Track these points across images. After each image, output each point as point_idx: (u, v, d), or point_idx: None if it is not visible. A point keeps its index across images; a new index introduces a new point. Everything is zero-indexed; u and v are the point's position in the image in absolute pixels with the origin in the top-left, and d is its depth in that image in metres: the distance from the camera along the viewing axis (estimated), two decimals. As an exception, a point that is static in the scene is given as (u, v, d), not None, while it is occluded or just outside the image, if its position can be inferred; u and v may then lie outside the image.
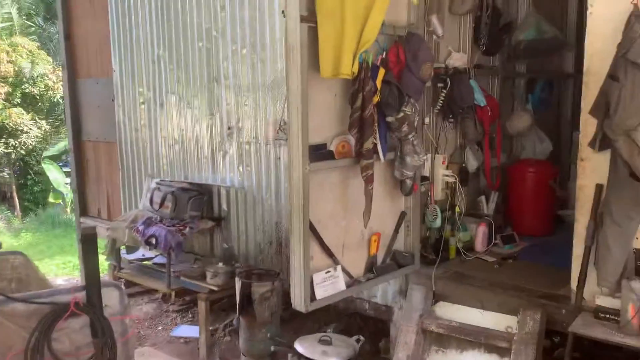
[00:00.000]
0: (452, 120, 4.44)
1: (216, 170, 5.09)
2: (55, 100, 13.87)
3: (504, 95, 5.28)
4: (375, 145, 3.37)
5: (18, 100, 13.44)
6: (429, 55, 3.63)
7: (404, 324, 3.75)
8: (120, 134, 6.06)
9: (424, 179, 4.07)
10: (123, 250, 5.22)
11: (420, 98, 3.70)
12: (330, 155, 3.35)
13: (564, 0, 5.82)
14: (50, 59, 13.85)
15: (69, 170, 8.49)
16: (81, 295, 2.69)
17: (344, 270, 3.49)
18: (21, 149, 13.47)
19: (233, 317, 4.82)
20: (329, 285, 3.38)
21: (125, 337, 2.87)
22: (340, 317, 4.78)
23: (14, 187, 13.86)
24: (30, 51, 13.43)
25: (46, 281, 3.52)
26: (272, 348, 3.92)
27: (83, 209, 6.93)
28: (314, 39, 3.06)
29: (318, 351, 3.51)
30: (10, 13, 14.42)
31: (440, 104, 4.27)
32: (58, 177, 13.90)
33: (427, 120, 4.14)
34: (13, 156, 13.62)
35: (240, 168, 4.88)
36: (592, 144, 3.08)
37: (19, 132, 13.22)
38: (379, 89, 3.31)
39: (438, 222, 4.22)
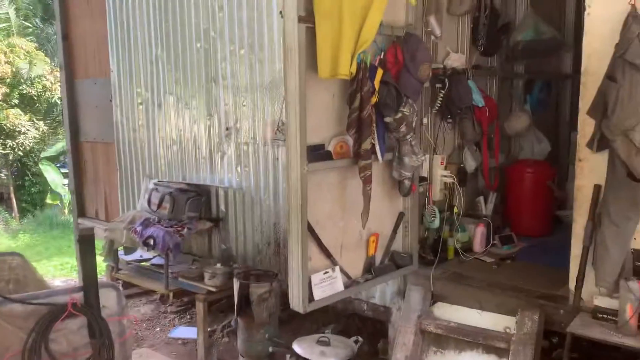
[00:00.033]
0: (450, 120, 4.45)
1: (214, 171, 5.08)
2: (52, 101, 13.85)
3: (502, 96, 5.29)
4: (373, 145, 3.37)
5: (16, 101, 13.42)
6: (427, 55, 3.63)
7: (402, 325, 3.75)
8: (118, 135, 6.05)
9: (422, 179, 4.07)
10: (121, 252, 5.21)
11: (419, 98, 3.70)
12: (328, 156, 3.35)
13: (562, 1, 5.83)
14: (48, 59, 13.84)
15: (67, 171, 8.47)
16: (79, 296, 2.68)
17: (342, 271, 3.49)
18: (19, 150, 13.45)
19: (231, 318, 4.81)
20: (327, 286, 3.38)
21: (123, 338, 2.86)
22: (338, 317, 4.77)
23: (11, 188, 13.84)
24: (27, 52, 13.42)
25: (44, 282, 3.50)
26: (270, 349, 3.91)
27: (81, 210, 6.92)
28: (312, 40, 3.06)
29: (316, 352, 3.50)
30: (8, 14, 14.40)
31: (439, 105, 4.27)
32: (56, 178, 13.89)
33: (425, 120, 4.15)
34: (11, 157, 13.60)
35: (239, 169, 4.87)
36: (590, 145, 3.08)
37: (17, 133, 13.20)
38: (377, 89, 3.31)
39: (436, 223, 4.22)
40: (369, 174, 3.33)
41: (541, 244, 4.71)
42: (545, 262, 4.26)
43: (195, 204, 4.84)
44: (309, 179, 3.14)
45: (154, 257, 5.13)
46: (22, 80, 13.32)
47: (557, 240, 4.62)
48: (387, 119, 3.43)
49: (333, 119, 3.36)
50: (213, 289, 4.46)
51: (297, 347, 3.57)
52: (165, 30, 5.32)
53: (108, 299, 2.80)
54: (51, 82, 13.46)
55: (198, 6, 4.97)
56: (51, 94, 13.69)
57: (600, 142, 3.00)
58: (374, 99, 3.30)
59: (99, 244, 4.76)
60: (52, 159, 14.37)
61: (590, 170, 3.18)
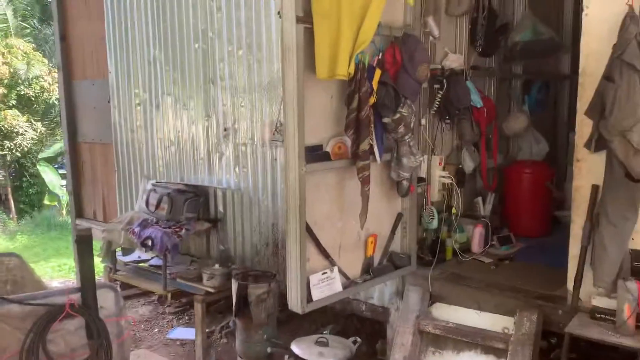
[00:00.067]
0: (448, 121, 4.45)
1: (212, 172, 5.08)
2: (50, 102, 13.84)
3: (500, 97, 5.30)
4: (371, 146, 3.37)
5: (13, 102, 13.40)
6: (426, 56, 3.63)
7: (400, 325, 3.75)
8: (116, 136, 6.04)
9: (420, 180, 4.07)
10: (119, 253, 5.20)
11: (417, 99, 3.70)
12: (326, 157, 3.34)
13: (560, 2, 5.84)
14: (45, 60, 13.82)
15: (65, 172, 8.46)
16: (76, 297, 2.68)
17: (340, 271, 3.48)
18: (16, 151, 13.43)
19: (229, 319, 4.82)
20: (326, 287, 3.37)
21: (121, 338, 2.86)
22: (337, 318, 4.77)
23: (9, 189, 13.81)
24: (25, 53, 13.40)
25: (41, 283, 3.50)
26: (269, 350, 3.91)
27: (79, 211, 6.90)
28: (310, 40, 3.06)
29: (315, 353, 3.50)
30: (6, 14, 14.38)
31: (437, 105, 4.28)
32: (53, 179, 13.87)
33: (423, 121, 4.15)
34: (8, 158, 13.58)
35: (237, 169, 4.87)
36: (587, 145, 3.08)
37: (15, 134, 13.18)
38: (375, 90, 3.31)
39: (435, 224, 4.22)
40: (367, 174, 3.33)
41: (539, 245, 4.72)
42: (543, 262, 4.27)
43: (193, 205, 4.84)
44: (307, 179, 3.14)
45: (152, 258, 5.12)
46: (19, 81, 13.30)
47: (555, 240, 4.62)
48: (386, 120, 3.43)
49: (331, 119, 3.36)
50: (211, 290, 4.45)
51: (295, 348, 3.58)
52: (163, 30, 5.32)
53: (106, 300, 2.81)
54: (49, 83, 13.44)
55: (196, 7, 4.97)
56: (49, 95, 13.67)
57: (598, 142, 3.00)
58: (372, 100, 3.30)
59: (97, 245, 4.75)
60: (50, 160, 14.35)
61: (588, 170, 3.19)
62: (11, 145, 13.22)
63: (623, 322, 2.94)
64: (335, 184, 3.44)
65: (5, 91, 13.11)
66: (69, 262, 8.51)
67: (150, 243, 4.59)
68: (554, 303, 3.46)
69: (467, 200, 4.82)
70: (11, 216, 13.52)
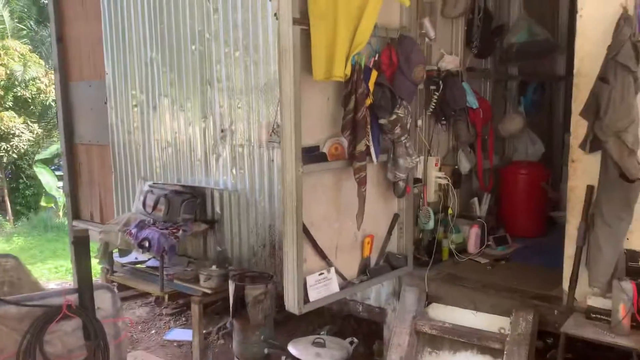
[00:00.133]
0: (444, 122, 4.47)
1: (209, 173, 5.09)
2: (47, 103, 13.81)
3: (496, 98, 5.32)
4: (368, 147, 3.38)
5: (10, 103, 13.37)
6: (422, 57, 3.64)
7: (397, 326, 3.76)
8: (113, 137, 6.05)
9: (416, 181, 4.09)
10: (116, 254, 5.20)
11: (413, 100, 3.71)
12: (323, 158, 3.35)
13: (555, 3, 5.86)
14: (42, 62, 13.80)
15: (62, 173, 8.45)
16: (73, 298, 2.68)
17: (337, 272, 3.49)
18: (13, 152, 13.40)
19: (226, 320, 4.80)
20: (323, 287, 3.38)
21: (118, 339, 2.86)
22: (333, 319, 4.78)
23: (5, 191, 13.77)
24: (22, 54, 13.37)
25: (38, 285, 3.50)
26: (266, 351, 3.92)
27: (75, 213, 6.90)
28: (307, 42, 3.07)
29: (312, 353, 3.51)
30: (2, 16, 14.35)
31: (433, 107, 4.29)
32: (50, 181, 13.83)
33: (419, 122, 4.16)
34: (5, 160, 13.54)
35: (234, 171, 4.88)
36: (582, 146, 3.10)
37: (11, 136, 13.15)
38: (371, 91, 3.32)
39: (431, 224, 4.23)
40: (363, 175, 3.34)
41: (535, 245, 4.73)
42: (539, 262, 4.28)
43: (190, 206, 4.85)
44: (304, 180, 3.15)
45: (149, 259, 5.13)
46: (16, 83, 13.27)
47: (551, 241, 4.63)
48: (382, 121, 3.44)
49: (328, 120, 3.37)
50: (208, 291, 4.45)
51: (292, 349, 3.58)
52: (160, 32, 5.33)
53: (103, 301, 2.81)
54: (45, 85, 13.42)
55: (193, 8, 4.98)
56: (45, 97, 13.64)
57: (592, 143, 3.02)
58: (369, 101, 3.31)
59: (94, 247, 4.75)
60: (47, 162, 14.31)
61: (583, 171, 3.20)
62: (8, 147, 13.19)
63: (618, 322, 2.96)
64: (332, 185, 3.45)
65: (2, 93, 13.08)
66: (66, 264, 8.49)
67: (147, 244, 4.59)
68: (549, 303, 3.47)
69: (463, 201, 4.84)
70: (8, 218, 13.48)
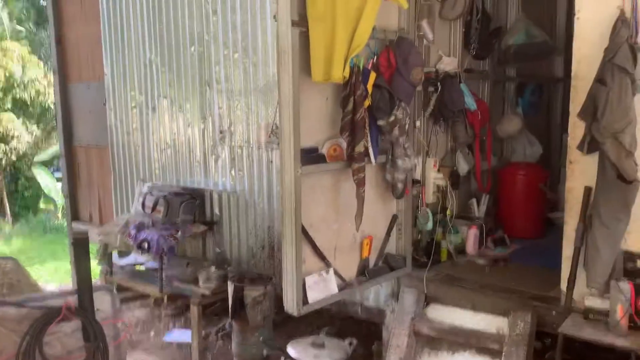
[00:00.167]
0: (443, 123, 4.47)
1: (208, 174, 5.09)
2: (46, 105, 13.82)
3: (494, 99, 5.33)
4: (366, 148, 3.39)
5: (9, 105, 13.38)
6: (420, 59, 3.65)
7: (396, 327, 3.76)
8: (112, 138, 6.05)
9: (415, 182, 4.09)
10: (115, 255, 5.21)
11: (411, 102, 3.72)
12: (321, 159, 3.36)
13: (553, 6, 5.88)
14: (41, 63, 13.81)
15: (60, 175, 8.45)
16: (73, 299, 2.69)
17: (336, 273, 3.50)
18: (12, 154, 13.40)
19: (226, 322, 4.82)
20: (321, 289, 3.39)
21: (117, 341, 2.87)
22: (332, 320, 4.78)
23: (4, 192, 13.78)
24: (21, 56, 13.38)
25: (37, 286, 3.51)
26: (265, 352, 3.93)
27: (75, 214, 6.90)
28: (306, 44, 3.09)
29: (310, 354, 3.52)
30: (1, 18, 14.36)
31: (431, 108, 4.30)
32: (49, 183, 13.84)
33: (418, 123, 4.17)
34: (4, 162, 13.55)
35: (233, 172, 4.88)
36: (580, 147, 3.11)
37: (10, 138, 13.16)
38: (370, 93, 3.34)
39: (429, 225, 4.24)
40: (362, 176, 3.35)
41: (533, 246, 4.74)
42: (537, 263, 4.29)
43: (189, 208, 4.85)
44: (303, 181, 3.16)
45: (148, 260, 5.13)
46: (15, 85, 13.28)
47: (549, 242, 4.65)
48: (380, 122, 3.45)
49: (326, 122, 3.38)
50: (207, 293, 4.46)
51: (291, 350, 3.59)
52: (159, 33, 5.33)
53: (102, 302, 2.82)
54: (44, 86, 13.43)
55: (192, 10, 4.99)
56: (44, 98, 13.66)
57: (590, 144, 3.03)
58: (367, 103, 3.32)
59: (93, 248, 4.75)
60: (46, 164, 14.32)
61: (581, 172, 3.21)
62: (6, 149, 13.20)
63: (616, 322, 2.97)
64: (331, 186, 3.45)
65: (1, 95, 13.10)
66: (65, 266, 8.49)
67: (146, 246, 4.59)
68: (547, 304, 3.48)
69: (462, 202, 4.85)
70: (7, 219, 13.48)
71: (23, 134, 13.38)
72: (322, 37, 3.09)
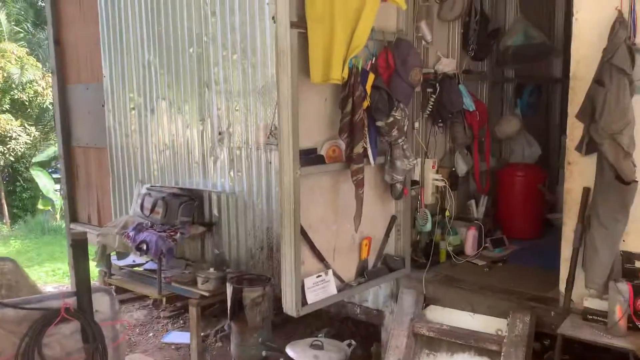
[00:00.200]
0: (441, 124, 4.48)
1: (207, 176, 5.09)
2: (44, 106, 13.80)
3: (492, 100, 5.34)
4: (365, 149, 3.40)
5: (7, 106, 13.37)
6: (418, 60, 3.66)
7: (395, 328, 3.76)
8: (110, 140, 6.05)
9: (414, 183, 4.10)
10: (113, 257, 5.20)
11: (410, 103, 3.73)
12: (320, 160, 3.36)
13: (552, 7, 5.89)
14: (39, 64, 13.80)
15: (59, 176, 8.44)
16: (72, 301, 2.68)
17: (335, 274, 3.50)
18: (10, 155, 13.38)
19: (224, 323, 4.81)
20: (320, 290, 3.39)
21: (116, 342, 2.86)
22: (331, 321, 4.78)
23: (2, 193, 13.75)
24: (19, 57, 13.37)
25: (36, 288, 3.49)
26: (264, 353, 3.92)
27: (73, 215, 6.90)
28: (304, 45, 3.09)
29: (309, 356, 3.52)
30: (-1, 19, 14.36)
31: (430, 109, 4.31)
32: (47, 184, 13.82)
33: (416, 124, 4.18)
34: (2, 163, 13.53)
35: (231, 173, 4.88)
36: (578, 148, 3.12)
37: (8, 139, 13.14)
38: (368, 94, 3.34)
39: (428, 226, 4.25)
40: (361, 177, 3.36)
41: (532, 247, 4.75)
42: (536, 264, 4.30)
43: (188, 209, 4.85)
44: (302, 183, 3.16)
45: (147, 262, 5.13)
46: (13, 86, 13.27)
47: (547, 242, 4.66)
48: (379, 123, 3.45)
49: (325, 123, 3.39)
50: (206, 294, 4.46)
51: (290, 351, 3.59)
52: (157, 35, 5.33)
53: (101, 304, 2.81)
54: (43, 87, 13.42)
55: (190, 11, 4.99)
56: (43, 99, 13.65)
57: (588, 145, 3.04)
58: (366, 104, 3.33)
59: (92, 250, 4.75)
60: (44, 165, 14.30)
61: (579, 173, 3.22)
62: (5, 150, 13.18)
63: (614, 323, 2.97)
64: (330, 187, 3.45)
65: (-1, 95, 13.09)
66: (63, 267, 8.48)
67: (145, 247, 4.59)
68: (546, 305, 3.49)
69: (461, 203, 4.85)
70: (5, 221, 13.46)
71: (21, 135, 13.36)
72: (321, 38, 3.09)
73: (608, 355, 3.24)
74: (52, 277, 8.43)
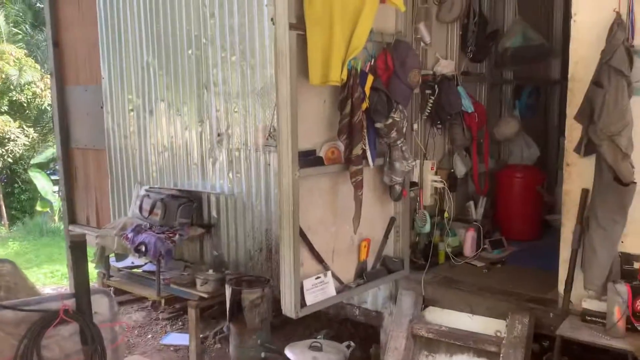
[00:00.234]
0: (440, 126, 4.49)
1: (206, 177, 5.09)
2: (42, 107, 13.79)
3: (491, 102, 5.35)
4: (364, 151, 3.40)
5: (5, 108, 13.35)
6: (417, 62, 3.67)
7: (394, 330, 3.77)
8: (109, 141, 6.04)
9: (413, 184, 4.11)
10: (112, 258, 5.20)
11: (409, 104, 3.73)
12: (319, 161, 3.37)
13: (550, 8, 5.90)
14: (37, 66, 13.79)
15: (57, 178, 8.43)
16: (71, 303, 2.68)
17: (334, 276, 3.50)
18: (8, 157, 13.37)
19: (223, 325, 4.81)
20: (319, 291, 3.39)
21: (115, 344, 2.86)
22: (330, 323, 4.78)
23: (0, 195, 13.74)
24: (17, 58, 13.36)
25: (35, 289, 3.49)
26: (263, 355, 3.92)
27: (71, 217, 6.89)
28: (303, 46, 3.09)
29: (308, 357, 3.52)
30: (-3, 20, 14.35)
31: (429, 111, 4.32)
32: (45, 185, 13.80)
33: (415, 126, 4.19)
34: (0, 164, 13.51)
35: (230, 175, 4.88)
36: (577, 149, 3.13)
37: (6, 140, 13.13)
38: (367, 95, 3.34)
39: (427, 228, 4.25)
40: (360, 179, 3.36)
41: (531, 248, 4.75)
42: (534, 265, 4.30)
43: (186, 210, 4.85)
44: (301, 184, 3.16)
45: (146, 263, 5.12)
46: (11, 87, 13.26)
47: (546, 244, 4.66)
48: (378, 125, 3.46)
49: (324, 124, 3.39)
50: (205, 295, 4.45)
51: (289, 353, 3.59)
52: (156, 36, 5.33)
53: (100, 305, 2.80)
54: (41, 89, 13.41)
55: (189, 13, 4.99)
56: (41, 101, 13.63)
57: (587, 146, 3.05)
58: (365, 105, 3.33)
59: (90, 251, 4.74)
60: (42, 166, 14.28)
61: (578, 174, 3.23)
62: (3, 152, 13.17)
63: (613, 324, 2.97)
64: (329, 189, 3.46)
65: (-3, 97, 13.08)
66: (62, 269, 8.47)
67: (143, 249, 4.59)
68: (545, 306, 3.49)
69: (459, 204, 4.86)
70: (3, 222, 13.44)
71: (20, 136, 13.34)
72: (320, 39, 3.09)
73: (607, 356, 3.25)
74: (50, 279, 8.42)
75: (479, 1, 4.80)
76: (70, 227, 6.81)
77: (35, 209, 14.12)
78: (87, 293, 2.72)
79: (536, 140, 5.47)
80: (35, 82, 13.47)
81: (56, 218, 13.31)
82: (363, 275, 3.71)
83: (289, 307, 3.23)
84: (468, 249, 4.51)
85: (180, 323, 5.39)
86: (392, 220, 3.90)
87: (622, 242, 3.11)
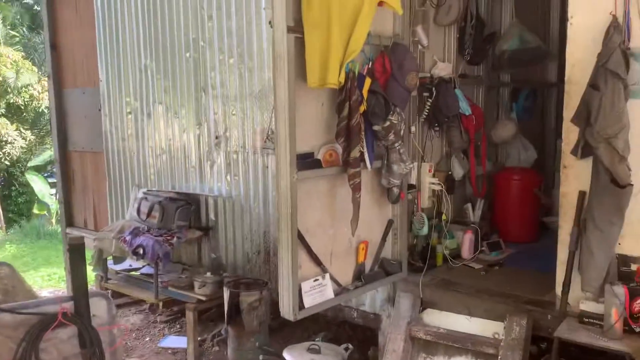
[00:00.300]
0: (437, 129, 4.50)
1: (204, 180, 5.09)
2: (40, 110, 13.77)
3: (488, 104, 5.36)
4: (362, 153, 3.40)
5: (2, 110, 13.33)
6: (414, 64, 3.68)
7: (392, 332, 3.77)
8: (107, 144, 6.04)
9: (410, 187, 4.11)
10: (110, 261, 5.19)
11: (406, 107, 3.74)
12: (317, 164, 3.37)
13: (547, 11, 5.93)
14: (35, 68, 13.77)
15: (54, 181, 8.41)
16: (69, 306, 2.68)
17: (332, 278, 3.50)
18: (5, 159, 13.34)
19: (221, 327, 4.81)
20: (317, 294, 3.39)
21: (113, 347, 2.86)
22: (328, 325, 4.78)
23: (-3, 198, 13.72)
24: (14, 61, 13.34)
25: (33, 292, 3.49)
26: (261, 357, 3.91)
27: (69, 220, 6.88)
28: (301, 49, 3.10)
29: None
30: (-5, 23, 14.34)
31: (426, 113, 4.33)
32: (43, 188, 13.78)
33: (413, 129, 4.20)
34: (-3, 167, 13.51)
35: (228, 177, 4.88)
36: (574, 152, 3.14)
37: (3, 143, 13.11)
38: (365, 98, 3.35)
39: (425, 230, 4.26)
40: (358, 181, 3.36)
41: (528, 250, 4.76)
42: (532, 267, 4.31)
43: (184, 213, 4.85)
44: (299, 187, 3.16)
45: (144, 266, 5.12)
46: (8, 90, 13.24)
47: (543, 246, 4.66)
48: (376, 128, 3.47)
49: (322, 127, 3.39)
50: (203, 298, 4.45)
51: (287, 356, 3.59)
52: (154, 39, 5.34)
53: (98, 308, 2.81)
54: (38, 92, 13.39)
55: (187, 16, 5.00)
56: (38, 104, 13.61)
57: (584, 149, 3.06)
58: (363, 108, 3.34)
59: (88, 254, 4.74)
60: (39, 169, 14.26)
61: (575, 177, 3.24)
62: (0, 154, 13.14)
63: (611, 326, 2.98)
64: (327, 191, 3.46)
65: (-5, 99, 13.06)
66: (59, 272, 8.44)
67: (141, 251, 4.59)
68: (543, 308, 3.49)
69: (457, 206, 4.87)
70: (0, 225, 13.41)
71: (17, 139, 13.32)
72: (318, 42, 3.10)
73: (604, 358, 3.25)
74: (48, 282, 8.39)
75: (476, 4, 4.83)
76: (68, 230, 6.80)
77: (32, 211, 14.09)
78: (85, 296, 2.72)
79: (533, 143, 5.49)
80: (33, 84, 13.45)
81: (53, 221, 13.27)
82: (361, 277, 3.71)
83: (287, 310, 3.23)
84: (466, 251, 4.52)
85: (178, 326, 5.39)
86: (390, 222, 3.91)
87: (619, 244, 3.12)
